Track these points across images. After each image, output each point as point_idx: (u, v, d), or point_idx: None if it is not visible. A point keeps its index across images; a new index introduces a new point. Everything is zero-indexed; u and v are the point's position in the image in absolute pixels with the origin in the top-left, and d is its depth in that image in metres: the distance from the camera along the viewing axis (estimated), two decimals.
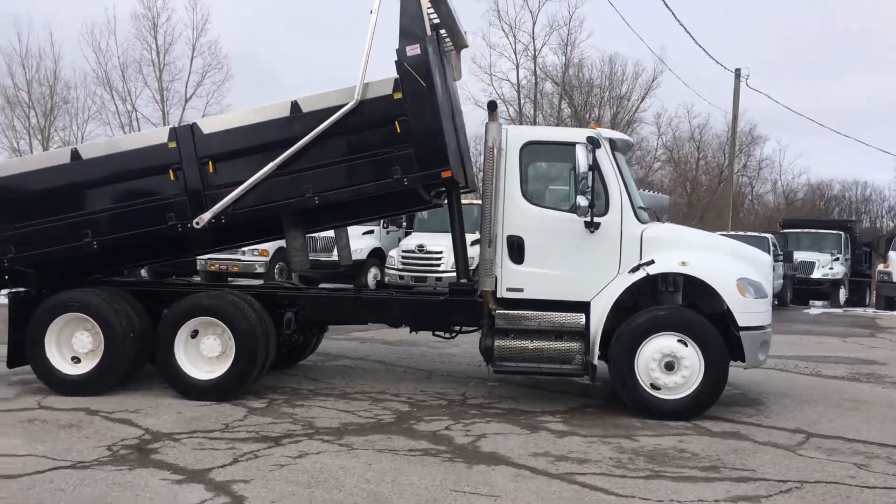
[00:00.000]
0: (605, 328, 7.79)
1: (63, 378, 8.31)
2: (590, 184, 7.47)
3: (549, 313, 7.90)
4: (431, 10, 8.43)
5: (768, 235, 23.05)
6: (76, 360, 8.39)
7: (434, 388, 8.97)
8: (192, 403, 7.92)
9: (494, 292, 7.99)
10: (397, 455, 6.25)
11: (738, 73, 34.48)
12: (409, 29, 7.80)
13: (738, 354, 7.74)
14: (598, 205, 7.83)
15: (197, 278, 21.58)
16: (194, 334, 8.25)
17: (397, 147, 7.88)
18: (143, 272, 22.83)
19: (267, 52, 65.12)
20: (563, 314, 7.88)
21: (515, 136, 8.02)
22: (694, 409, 7.56)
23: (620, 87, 45.91)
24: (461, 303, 8.41)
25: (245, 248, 21.27)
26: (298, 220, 8.44)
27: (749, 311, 7.65)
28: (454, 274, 9.16)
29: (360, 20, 8.05)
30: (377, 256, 20.87)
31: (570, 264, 7.88)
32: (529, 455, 6.30)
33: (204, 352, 8.20)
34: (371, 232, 21.36)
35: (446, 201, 8.94)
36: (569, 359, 7.79)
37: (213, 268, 21.73)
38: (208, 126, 8.22)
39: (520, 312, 7.96)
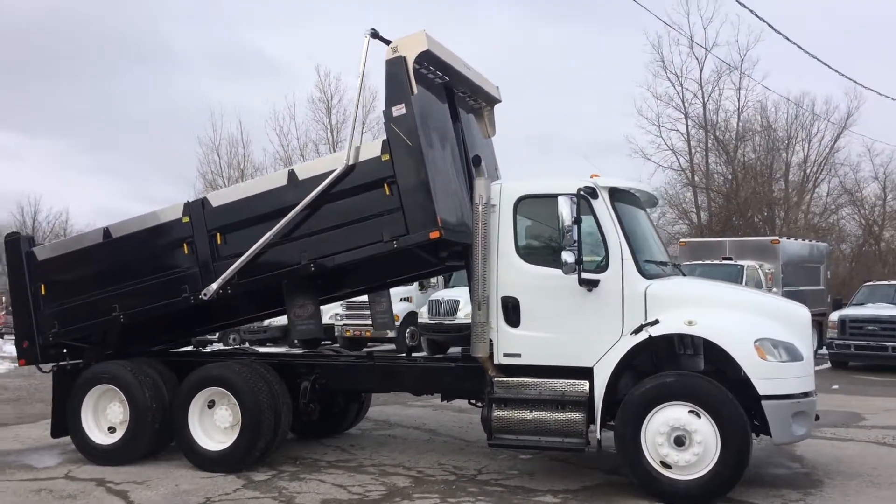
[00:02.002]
0: (618, 397, 7.02)
1: (95, 447, 8.65)
2: (575, 238, 6.81)
3: (551, 380, 7.24)
4: (433, 70, 8.22)
5: None
6: (112, 429, 8.70)
7: (458, 460, 8.45)
8: (200, 474, 7.96)
9: (491, 358, 7.45)
10: None
11: None
12: (394, 89, 7.62)
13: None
14: (597, 260, 7.15)
15: (336, 344, 22.38)
16: (211, 404, 8.32)
17: (387, 209, 7.67)
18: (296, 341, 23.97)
19: None
20: (565, 381, 7.19)
21: (509, 191, 7.54)
22: (710, 492, 6.55)
23: (810, 127, 42.67)
24: (471, 370, 7.92)
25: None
26: (305, 287, 8.37)
27: (773, 377, 6.57)
28: None
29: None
30: None
31: (568, 326, 7.20)
32: None
33: (217, 422, 8.25)
34: None
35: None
36: (572, 431, 7.04)
37: (348, 333, 22.45)
38: (217, 199, 8.43)
39: (519, 380, 7.36)
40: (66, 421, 8.84)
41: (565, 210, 6.82)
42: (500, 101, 9.70)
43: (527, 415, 7.18)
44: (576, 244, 6.81)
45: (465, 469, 8.07)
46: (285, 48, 67.45)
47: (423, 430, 10.37)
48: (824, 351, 19.11)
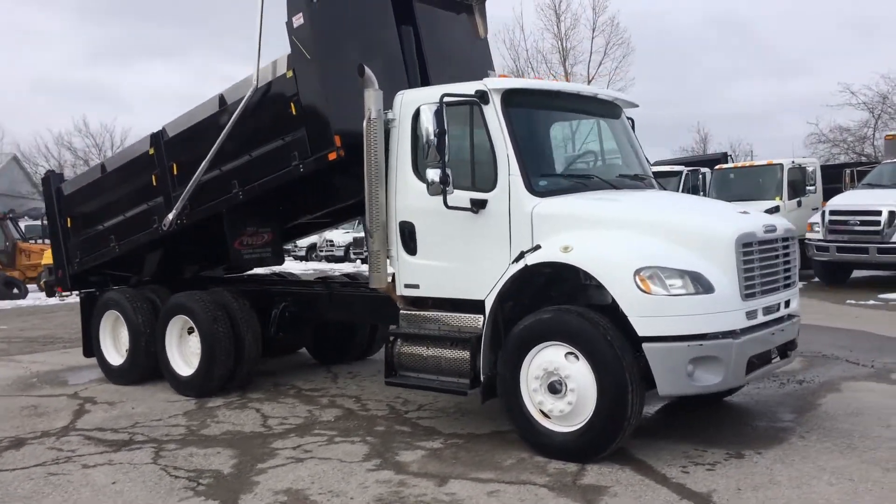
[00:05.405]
0: None
1: (111, 368, 9.34)
2: (437, 152, 5.85)
3: (450, 315, 6.45)
4: None
5: None
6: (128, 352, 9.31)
7: (418, 396, 7.89)
8: (171, 398, 8.28)
9: (394, 289, 6.79)
10: (161, 473, 5.77)
11: None
12: None
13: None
14: (487, 177, 6.13)
15: None
16: (191, 330, 8.53)
17: (295, 130, 7.19)
18: None
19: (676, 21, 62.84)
20: (463, 316, 6.36)
21: (408, 102, 6.62)
22: (585, 447, 5.49)
23: None
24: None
25: None
26: (262, 214, 8.19)
27: (660, 314, 5.26)
28: None
29: None
30: None
31: (460, 254, 6.30)
32: (274, 493, 5.28)
33: (192, 348, 8.46)
34: None
35: None
36: (461, 371, 6.25)
37: None
38: (172, 129, 8.43)
39: (422, 313, 6.65)
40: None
41: (426, 120, 5.87)
42: None
43: (423, 352, 6.48)
44: (442, 160, 5.86)
45: (411, 405, 7.56)
46: None
47: None
48: None
